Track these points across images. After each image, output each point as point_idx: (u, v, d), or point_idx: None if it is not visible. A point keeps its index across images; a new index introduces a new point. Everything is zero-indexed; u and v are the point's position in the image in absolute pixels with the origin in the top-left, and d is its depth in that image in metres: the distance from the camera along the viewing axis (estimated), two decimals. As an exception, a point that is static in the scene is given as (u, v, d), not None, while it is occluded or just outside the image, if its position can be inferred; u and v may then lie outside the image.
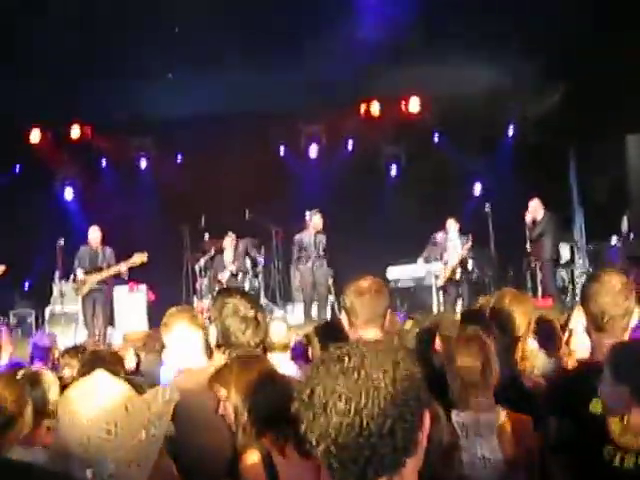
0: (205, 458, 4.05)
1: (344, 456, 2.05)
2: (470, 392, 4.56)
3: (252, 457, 3.68)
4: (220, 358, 4.56)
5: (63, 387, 5.50)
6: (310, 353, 6.77)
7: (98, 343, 13.69)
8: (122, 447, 2.76)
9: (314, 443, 2.08)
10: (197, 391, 4.13)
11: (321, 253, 16.54)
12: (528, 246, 16.37)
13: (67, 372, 6.64)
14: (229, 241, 17.29)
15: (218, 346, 4.57)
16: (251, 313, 4.52)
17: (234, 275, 17.20)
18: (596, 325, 4.33)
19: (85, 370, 5.63)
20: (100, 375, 2.94)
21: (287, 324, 7.23)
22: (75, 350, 7.22)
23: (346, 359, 2.11)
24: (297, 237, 16.88)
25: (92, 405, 2.80)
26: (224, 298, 4.60)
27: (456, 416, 4.49)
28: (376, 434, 2.03)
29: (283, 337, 6.75)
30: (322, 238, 16.62)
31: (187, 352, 5.11)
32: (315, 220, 16.68)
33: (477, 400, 4.55)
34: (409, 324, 6.61)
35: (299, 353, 7.24)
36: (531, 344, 5.83)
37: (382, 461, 2.06)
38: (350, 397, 2.05)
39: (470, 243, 16.64)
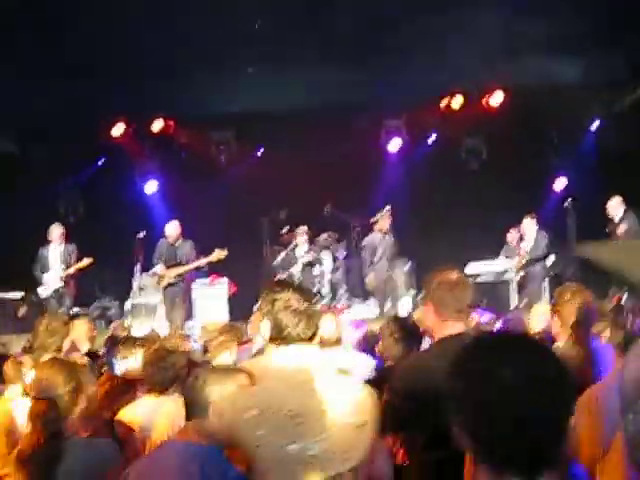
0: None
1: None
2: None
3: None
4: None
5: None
6: (379, 346, 6.73)
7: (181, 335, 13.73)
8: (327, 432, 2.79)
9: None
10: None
11: (390, 255, 16.54)
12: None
13: (130, 362, 6.67)
14: (301, 234, 17.27)
15: (271, 339, 4.54)
16: (303, 306, 4.48)
17: (310, 266, 17.23)
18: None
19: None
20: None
21: (337, 318, 7.18)
22: (140, 341, 7.27)
23: None
24: (367, 239, 16.89)
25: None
26: (275, 292, 4.55)
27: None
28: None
29: (332, 332, 6.70)
30: (390, 239, 16.59)
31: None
32: (381, 222, 16.65)
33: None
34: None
35: (365, 347, 7.21)
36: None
37: None
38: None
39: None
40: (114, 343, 8.04)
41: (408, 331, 6.38)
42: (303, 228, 17.31)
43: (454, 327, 4.62)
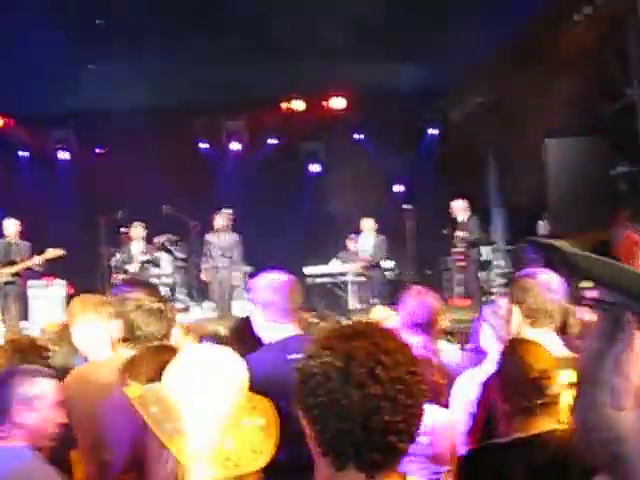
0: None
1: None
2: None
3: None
4: (126, 352, 4.47)
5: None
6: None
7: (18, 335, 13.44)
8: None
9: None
10: (103, 383, 4.05)
11: (226, 253, 16.55)
12: (459, 246, 16.46)
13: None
14: (137, 231, 17.10)
15: (124, 340, 4.50)
16: (156, 305, 4.46)
17: (145, 266, 17.09)
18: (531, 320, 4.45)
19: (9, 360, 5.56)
20: None
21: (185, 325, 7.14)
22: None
23: None
24: (206, 236, 16.95)
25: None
26: (125, 291, 4.53)
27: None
28: None
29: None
30: (227, 238, 16.64)
31: (93, 342, 5.03)
32: (216, 220, 16.72)
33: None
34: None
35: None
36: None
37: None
38: None
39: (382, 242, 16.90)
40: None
41: (241, 333, 6.36)
42: (139, 224, 17.09)
43: (288, 329, 4.68)
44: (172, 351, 3.95)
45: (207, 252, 16.90)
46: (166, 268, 17.95)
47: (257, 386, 3.02)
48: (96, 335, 5.00)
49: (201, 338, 7.26)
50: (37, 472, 3.87)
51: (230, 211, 17.00)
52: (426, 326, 5.56)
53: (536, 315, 4.48)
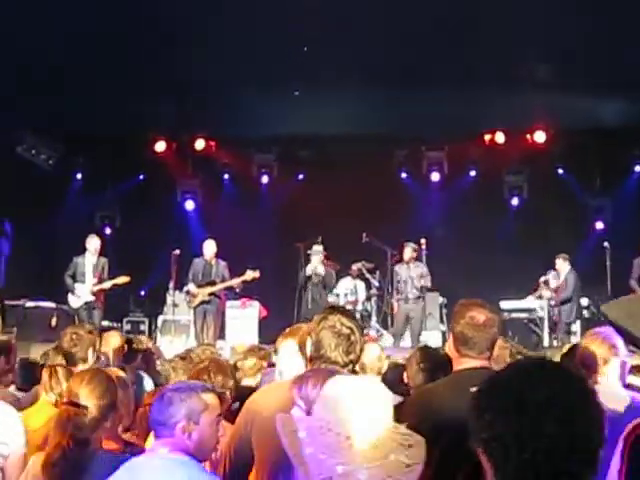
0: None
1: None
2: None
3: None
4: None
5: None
6: (405, 377, 6.62)
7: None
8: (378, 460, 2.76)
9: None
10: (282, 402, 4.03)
11: (416, 285, 16.33)
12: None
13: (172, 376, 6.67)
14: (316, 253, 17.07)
15: (311, 360, 4.53)
16: (346, 330, 4.44)
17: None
18: None
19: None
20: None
21: (381, 348, 7.14)
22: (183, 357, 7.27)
23: None
24: (396, 268, 16.79)
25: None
26: (326, 314, 4.56)
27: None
28: None
29: (375, 360, 6.65)
30: (416, 270, 16.42)
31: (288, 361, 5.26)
32: (406, 252, 16.54)
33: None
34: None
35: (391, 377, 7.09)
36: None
37: None
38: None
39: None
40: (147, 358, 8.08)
41: (433, 361, 6.28)
42: (318, 248, 17.08)
43: (473, 363, 4.54)
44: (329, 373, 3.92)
45: (396, 283, 16.75)
46: (361, 295, 17.97)
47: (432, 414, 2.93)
48: (290, 353, 5.19)
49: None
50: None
51: (415, 245, 16.76)
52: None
53: None
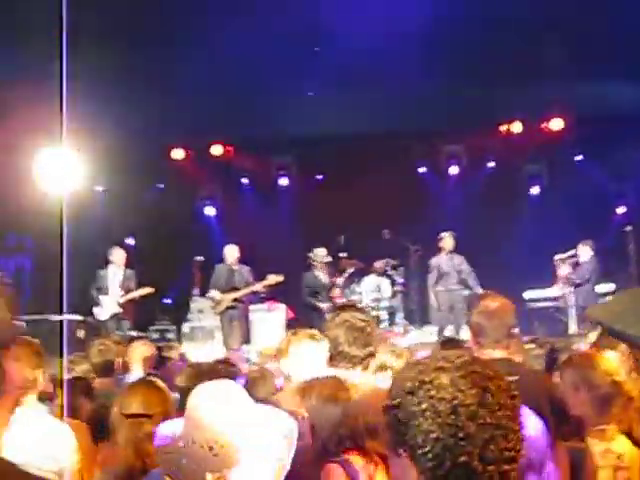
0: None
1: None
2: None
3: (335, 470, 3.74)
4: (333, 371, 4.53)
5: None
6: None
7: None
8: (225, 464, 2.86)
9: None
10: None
11: (461, 276, 16.25)
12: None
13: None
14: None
15: (331, 358, 4.55)
16: (361, 324, 4.46)
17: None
18: None
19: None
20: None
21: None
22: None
23: None
24: (433, 260, 16.67)
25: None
26: (339, 311, 4.59)
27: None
28: None
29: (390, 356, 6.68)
30: (459, 260, 16.36)
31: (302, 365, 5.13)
32: (447, 242, 16.43)
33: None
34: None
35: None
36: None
37: None
38: None
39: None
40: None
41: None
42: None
43: (493, 354, 4.57)
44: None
45: (436, 274, 16.68)
46: (386, 292, 17.97)
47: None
48: (306, 357, 5.11)
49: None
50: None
51: (455, 234, 16.69)
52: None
53: None
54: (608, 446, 4.32)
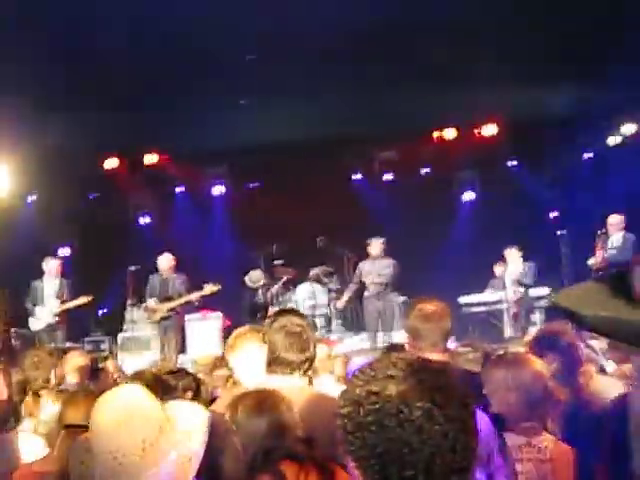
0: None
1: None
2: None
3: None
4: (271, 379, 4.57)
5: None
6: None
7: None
8: (154, 465, 2.89)
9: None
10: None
11: (383, 280, 16.21)
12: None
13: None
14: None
15: (269, 364, 4.55)
16: (297, 329, 4.46)
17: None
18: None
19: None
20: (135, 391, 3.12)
21: (329, 348, 7.21)
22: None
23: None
24: (359, 266, 16.66)
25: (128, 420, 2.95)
26: (276, 316, 4.60)
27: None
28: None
29: (325, 359, 6.72)
30: (382, 264, 16.28)
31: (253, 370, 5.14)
32: (374, 247, 16.42)
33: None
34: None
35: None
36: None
37: None
38: None
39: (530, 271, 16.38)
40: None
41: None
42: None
43: (431, 358, 4.55)
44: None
45: (359, 279, 16.66)
46: (321, 299, 18.00)
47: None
48: (251, 362, 5.17)
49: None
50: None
51: (383, 239, 16.71)
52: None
53: None
54: (529, 440, 4.38)
